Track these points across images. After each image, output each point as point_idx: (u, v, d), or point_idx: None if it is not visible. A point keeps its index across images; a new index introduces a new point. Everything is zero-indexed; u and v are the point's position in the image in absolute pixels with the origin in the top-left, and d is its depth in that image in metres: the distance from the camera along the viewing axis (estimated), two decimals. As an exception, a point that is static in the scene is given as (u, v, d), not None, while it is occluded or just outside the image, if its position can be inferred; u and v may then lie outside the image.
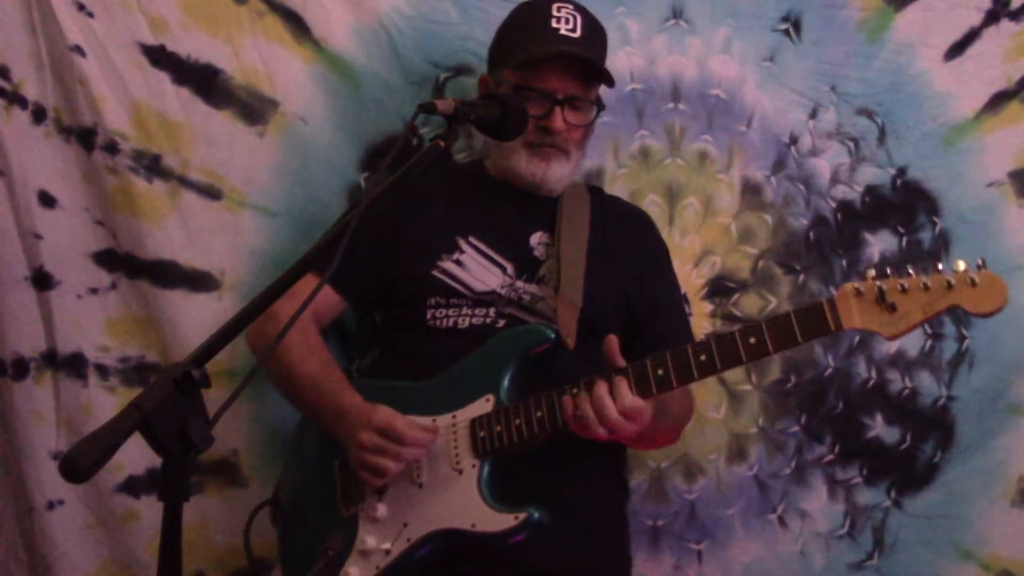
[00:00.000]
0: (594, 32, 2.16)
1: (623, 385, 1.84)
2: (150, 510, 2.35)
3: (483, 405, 1.97)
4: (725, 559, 2.47)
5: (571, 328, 2.03)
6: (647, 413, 1.86)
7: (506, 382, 1.98)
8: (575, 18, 2.11)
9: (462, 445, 1.96)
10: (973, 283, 1.69)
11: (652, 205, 2.46)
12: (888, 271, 1.75)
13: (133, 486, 2.36)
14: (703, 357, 1.82)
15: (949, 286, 1.70)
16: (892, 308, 1.73)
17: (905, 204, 2.48)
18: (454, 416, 1.98)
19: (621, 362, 1.88)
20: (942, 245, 2.48)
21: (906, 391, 2.47)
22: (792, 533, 2.46)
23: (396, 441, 1.92)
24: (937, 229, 2.48)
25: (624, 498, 2.26)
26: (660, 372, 1.84)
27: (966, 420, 2.45)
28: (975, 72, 2.46)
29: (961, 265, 1.70)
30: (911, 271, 1.73)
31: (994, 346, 2.44)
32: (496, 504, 1.91)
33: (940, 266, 1.71)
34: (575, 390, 1.88)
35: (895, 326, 1.73)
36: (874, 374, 2.48)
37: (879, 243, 2.50)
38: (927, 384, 2.47)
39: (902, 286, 1.72)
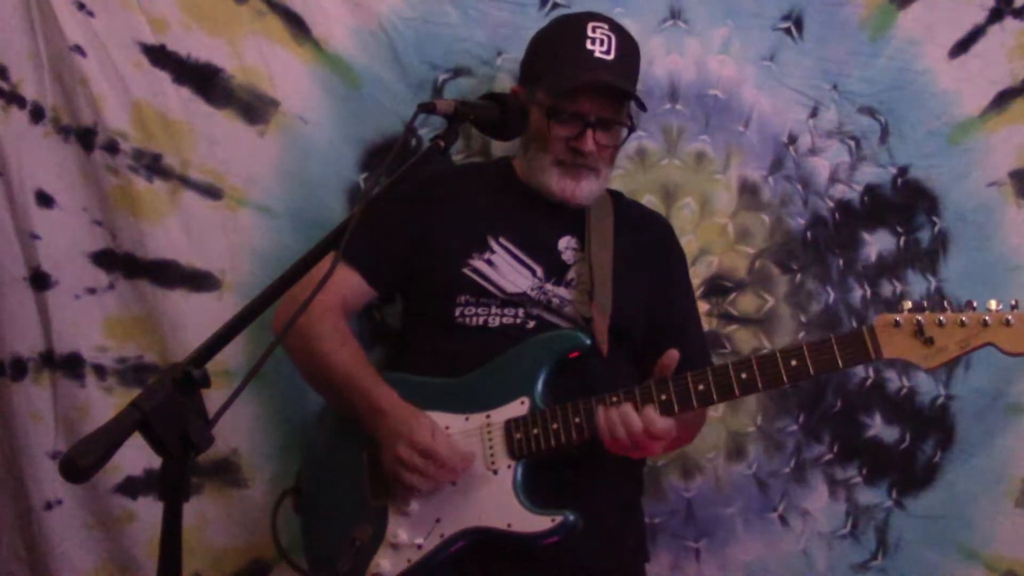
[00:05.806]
0: (628, 54, 2.16)
1: (649, 407, 1.90)
2: (148, 511, 2.34)
3: (518, 407, 2.00)
4: (724, 558, 2.47)
5: (604, 334, 2.07)
6: (672, 431, 1.92)
7: (540, 385, 2.01)
8: (610, 39, 2.11)
9: (497, 445, 1.99)
10: (1008, 323, 1.77)
11: (648, 205, 2.45)
12: (925, 304, 1.81)
13: (130, 487, 2.35)
14: (744, 375, 1.89)
15: (985, 324, 1.77)
16: (930, 341, 1.79)
17: (905, 203, 2.48)
18: (488, 416, 2.01)
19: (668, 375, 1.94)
20: (940, 245, 2.48)
21: (904, 390, 2.47)
22: (794, 532, 2.46)
23: (436, 464, 1.96)
24: (936, 229, 2.48)
25: (639, 493, 2.28)
26: (701, 388, 1.90)
27: (966, 419, 2.45)
28: (980, 70, 2.46)
29: (993, 304, 1.77)
30: (947, 305, 1.79)
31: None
32: (531, 506, 1.95)
33: (974, 304, 1.78)
34: (614, 399, 1.93)
35: (932, 359, 1.80)
36: (872, 373, 2.48)
37: (877, 243, 2.50)
38: (925, 383, 2.46)
39: (939, 320, 1.79)
